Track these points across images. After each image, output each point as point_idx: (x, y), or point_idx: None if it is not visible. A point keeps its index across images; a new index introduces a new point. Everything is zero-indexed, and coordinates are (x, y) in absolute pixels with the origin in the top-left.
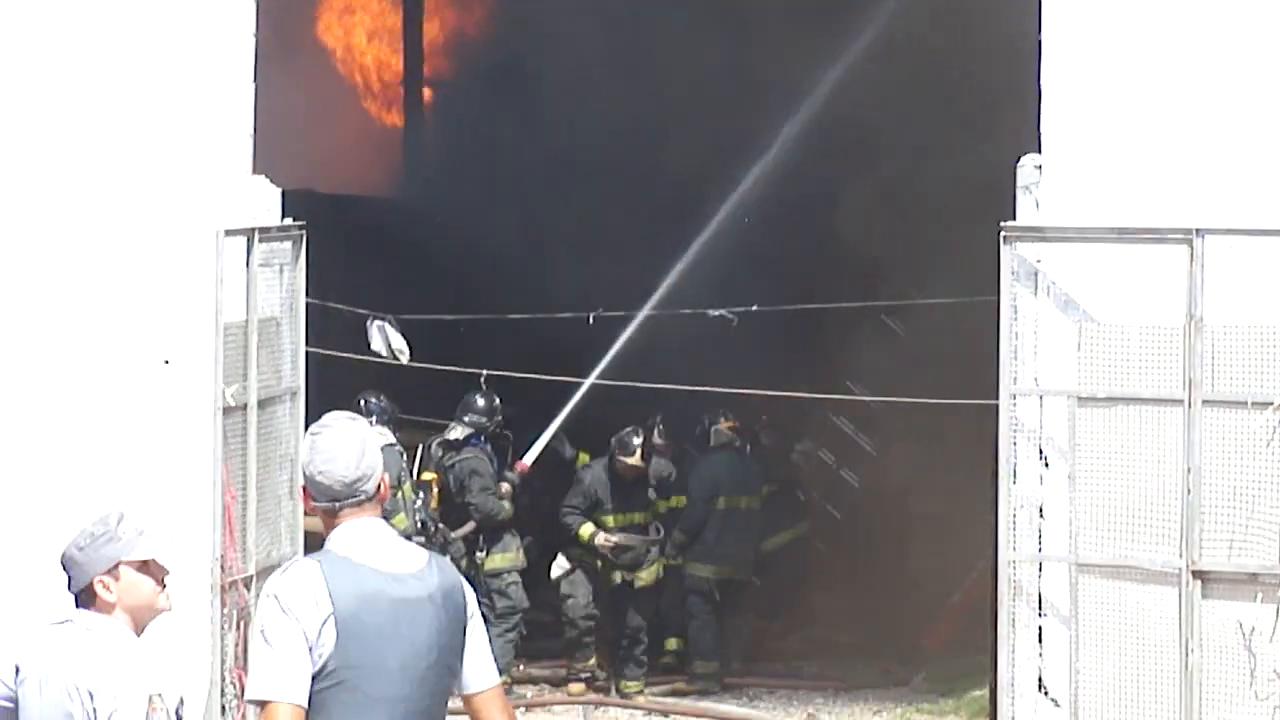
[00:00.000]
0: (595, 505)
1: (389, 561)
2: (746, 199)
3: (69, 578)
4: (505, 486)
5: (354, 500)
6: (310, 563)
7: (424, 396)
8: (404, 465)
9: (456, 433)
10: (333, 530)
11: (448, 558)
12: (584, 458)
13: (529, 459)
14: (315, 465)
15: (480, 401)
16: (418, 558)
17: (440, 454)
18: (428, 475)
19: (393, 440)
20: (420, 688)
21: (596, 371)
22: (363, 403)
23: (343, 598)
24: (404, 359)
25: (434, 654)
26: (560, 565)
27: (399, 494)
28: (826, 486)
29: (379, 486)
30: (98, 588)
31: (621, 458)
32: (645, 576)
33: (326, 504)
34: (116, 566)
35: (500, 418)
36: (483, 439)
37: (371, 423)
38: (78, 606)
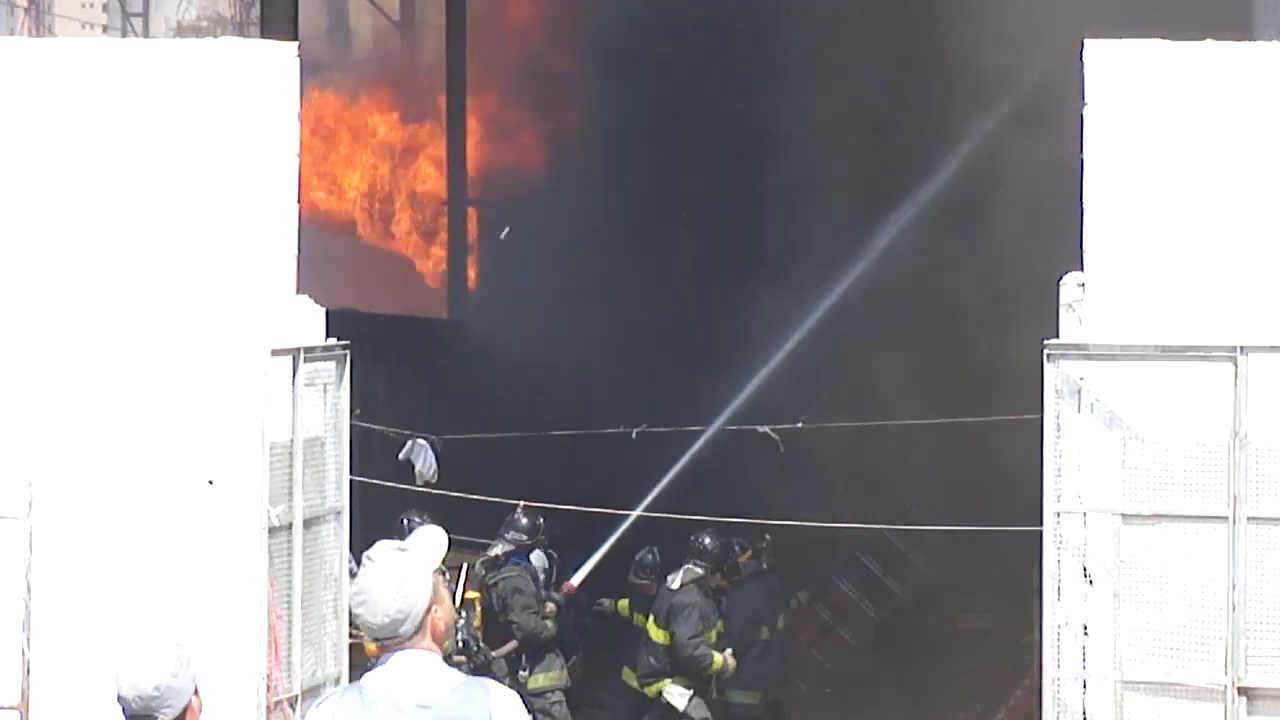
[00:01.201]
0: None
1: (406, 691)
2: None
3: (161, 709)
4: (550, 606)
5: (394, 640)
6: (333, 697)
7: (467, 515)
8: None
9: (498, 549)
10: (375, 659)
11: (494, 682)
12: (623, 605)
13: (576, 580)
14: (354, 603)
15: (523, 520)
16: (441, 686)
17: (483, 572)
18: (471, 594)
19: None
20: None
21: (642, 505)
22: (405, 523)
23: None
24: (431, 480)
25: None
26: (680, 694)
27: None
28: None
29: (422, 622)
30: (189, 713)
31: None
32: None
33: (371, 639)
34: (196, 685)
35: (543, 536)
36: (525, 557)
37: None
38: None
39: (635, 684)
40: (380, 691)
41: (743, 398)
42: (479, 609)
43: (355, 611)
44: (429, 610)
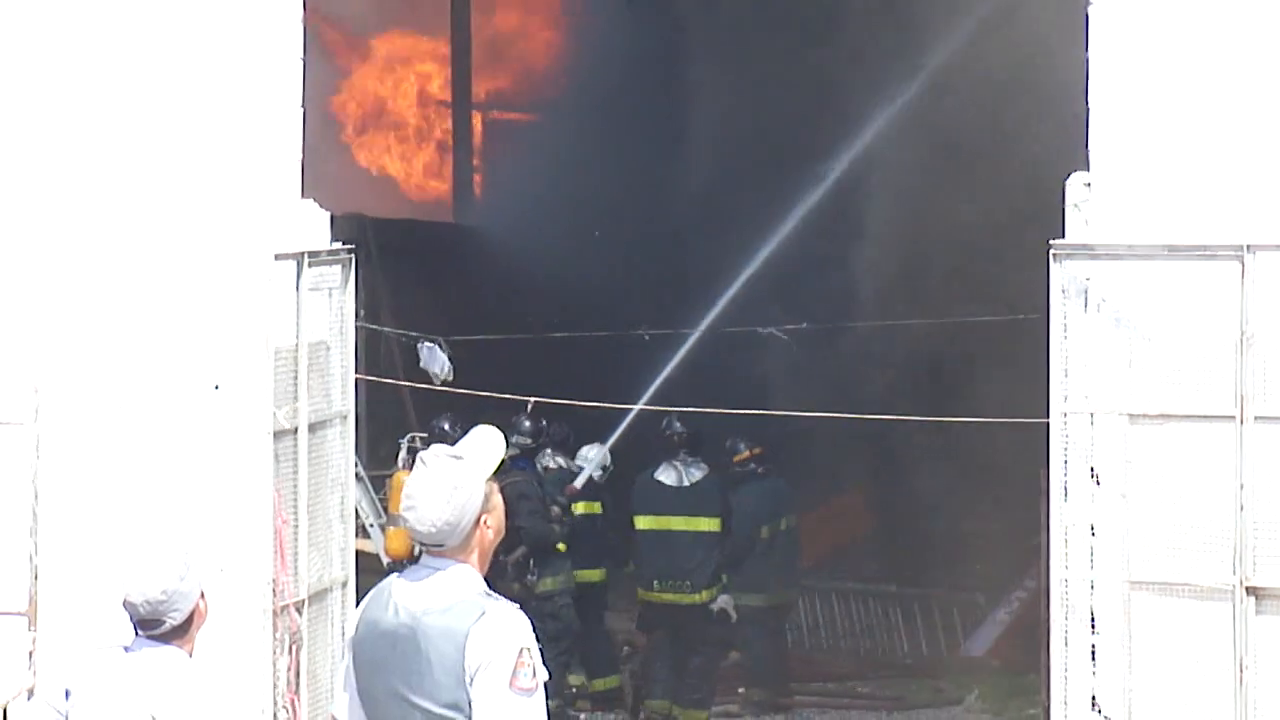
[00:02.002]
0: None
1: (418, 599)
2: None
3: (169, 613)
4: (555, 510)
5: (437, 549)
6: (376, 587)
7: (474, 419)
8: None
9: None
10: (403, 560)
11: (501, 605)
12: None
13: (579, 482)
14: (403, 506)
15: (526, 424)
16: (449, 598)
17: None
18: None
19: None
20: (381, 715)
21: (644, 399)
22: (436, 429)
23: (361, 622)
24: (448, 379)
25: (393, 687)
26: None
27: None
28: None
29: (470, 534)
30: (195, 616)
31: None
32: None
33: (417, 543)
34: (202, 591)
35: (547, 439)
36: (530, 462)
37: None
38: (162, 641)
39: (671, 595)
40: (399, 593)
41: (727, 298)
42: None
43: (403, 515)
44: (478, 521)
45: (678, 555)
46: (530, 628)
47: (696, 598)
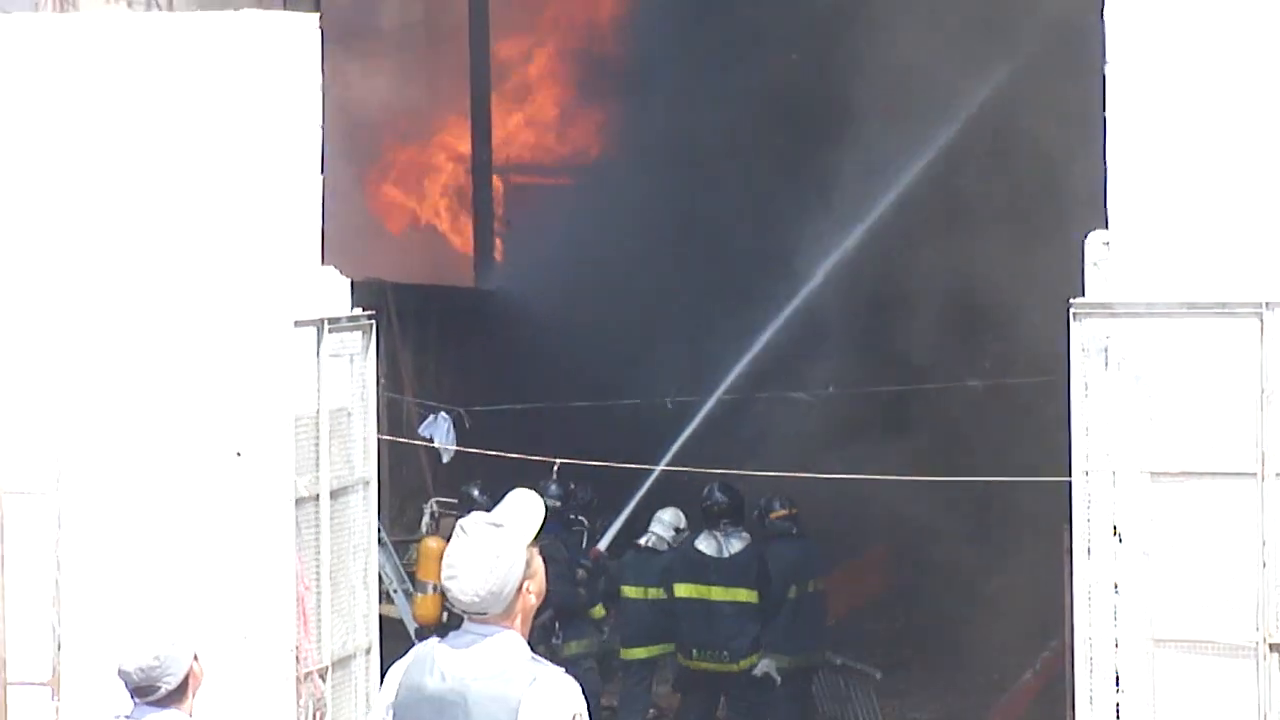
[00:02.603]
0: None
1: (464, 665)
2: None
3: (163, 678)
4: (580, 573)
5: (480, 616)
6: (417, 647)
7: (501, 486)
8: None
9: None
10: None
11: (552, 672)
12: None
13: (603, 544)
14: (444, 575)
15: (553, 487)
16: (490, 664)
17: None
18: None
19: None
20: None
21: (665, 459)
22: (466, 495)
23: (402, 688)
24: (445, 458)
25: None
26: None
27: None
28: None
29: (511, 602)
30: (191, 679)
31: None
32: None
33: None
34: (195, 653)
35: (574, 503)
36: (557, 525)
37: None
38: (161, 706)
39: (710, 664)
40: (444, 659)
41: (745, 361)
42: None
43: (445, 585)
44: (520, 588)
45: (717, 625)
46: (581, 693)
47: (735, 667)
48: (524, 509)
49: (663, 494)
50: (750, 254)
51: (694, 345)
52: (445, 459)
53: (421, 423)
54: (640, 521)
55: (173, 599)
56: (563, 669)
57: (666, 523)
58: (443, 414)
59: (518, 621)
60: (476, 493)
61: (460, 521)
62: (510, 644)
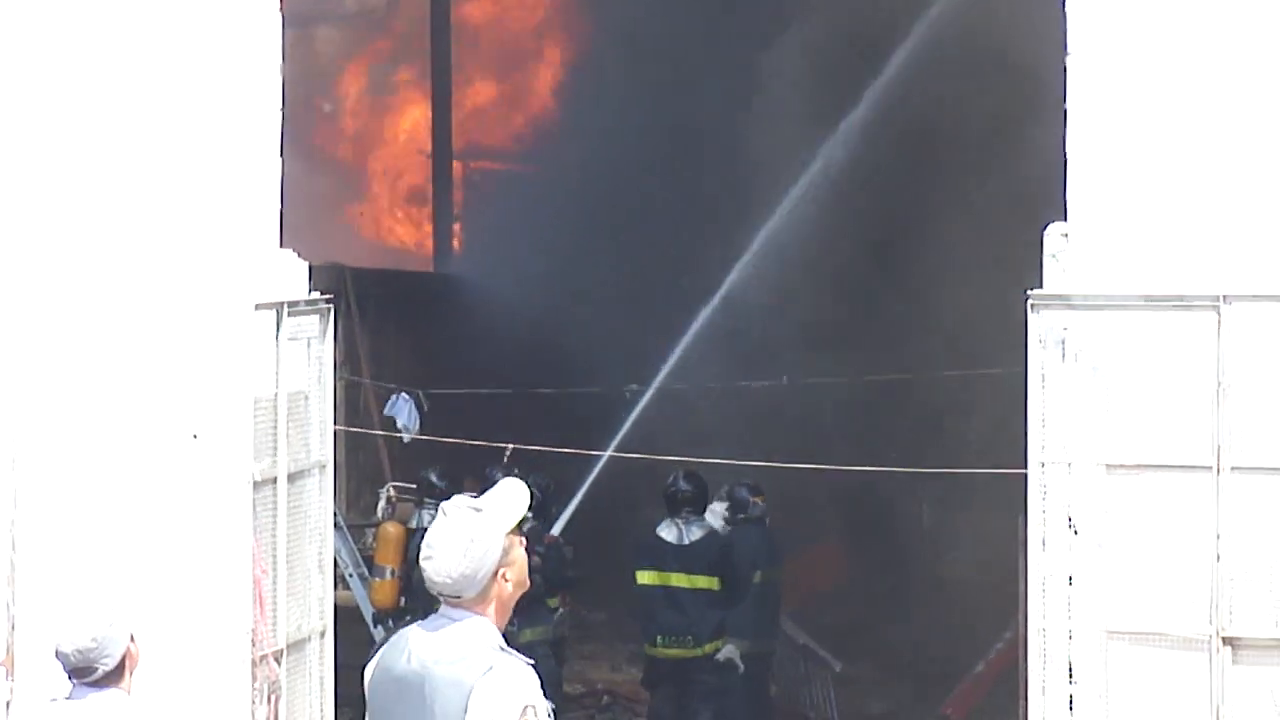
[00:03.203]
0: None
1: (430, 649)
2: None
3: (101, 659)
4: (534, 559)
5: (455, 599)
6: (395, 635)
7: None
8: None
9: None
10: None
11: (510, 663)
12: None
13: (556, 529)
14: (421, 556)
15: (498, 474)
16: (453, 649)
17: None
18: None
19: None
20: None
21: (614, 444)
22: (426, 479)
23: (377, 668)
24: (406, 438)
25: None
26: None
27: None
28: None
29: (486, 587)
30: (128, 659)
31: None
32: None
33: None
34: (131, 634)
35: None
36: None
37: (428, 503)
38: (100, 686)
39: (675, 650)
40: (415, 641)
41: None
42: None
43: (421, 564)
44: (496, 574)
45: (679, 611)
46: (539, 685)
47: (699, 651)
48: (508, 496)
49: (612, 478)
50: (707, 241)
51: (650, 332)
52: (406, 439)
53: (383, 406)
54: (594, 508)
55: (128, 580)
56: (523, 660)
57: (716, 512)
58: (404, 395)
59: (491, 608)
60: (435, 478)
61: (443, 504)
62: (478, 630)
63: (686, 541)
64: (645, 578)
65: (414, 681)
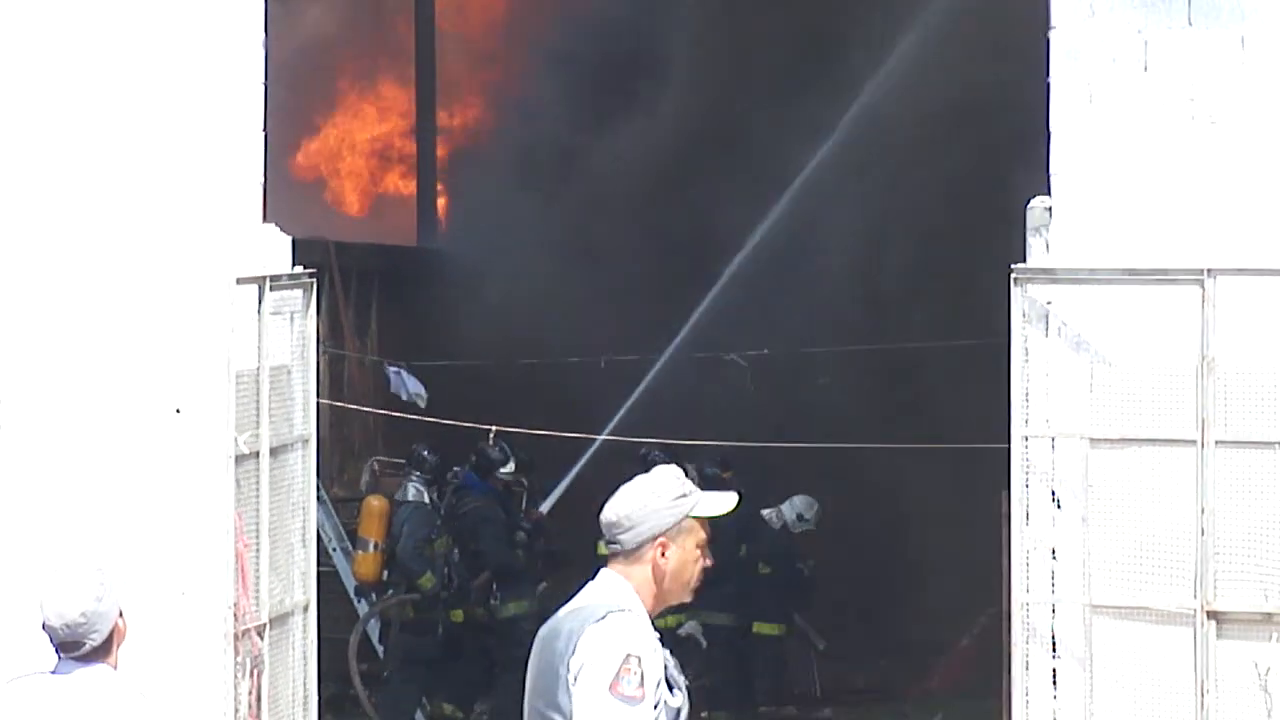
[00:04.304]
0: None
1: (572, 601)
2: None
3: (90, 634)
4: (520, 535)
5: (614, 549)
6: None
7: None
8: (436, 523)
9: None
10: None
11: (626, 617)
12: None
13: (544, 507)
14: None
15: (491, 451)
16: (582, 600)
17: (453, 500)
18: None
19: (425, 499)
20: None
21: (608, 429)
22: (415, 454)
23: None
24: (421, 403)
25: (529, 693)
26: (695, 625)
27: (426, 551)
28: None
29: (643, 547)
30: (115, 635)
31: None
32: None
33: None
34: (121, 611)
35: (512, 467)
36: (492, 486)
37: (415, 477)
38: (87, 661)
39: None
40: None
41: (691, 322)
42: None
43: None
44: (654, 540)
45: None
46: (651, 641)
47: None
48: (718, 497)
49: (603, 459)
50: (693, 216)
51: (635, 306)
52: (422, 404)
53: (372, 378)
54: (585, 486)
55: (111, 555)
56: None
57: (796, 505)
58: (394, 368)
59: (640, 572)
60: (426, 453)
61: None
62: (614, 586)
63: None
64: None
65: (545, 635)
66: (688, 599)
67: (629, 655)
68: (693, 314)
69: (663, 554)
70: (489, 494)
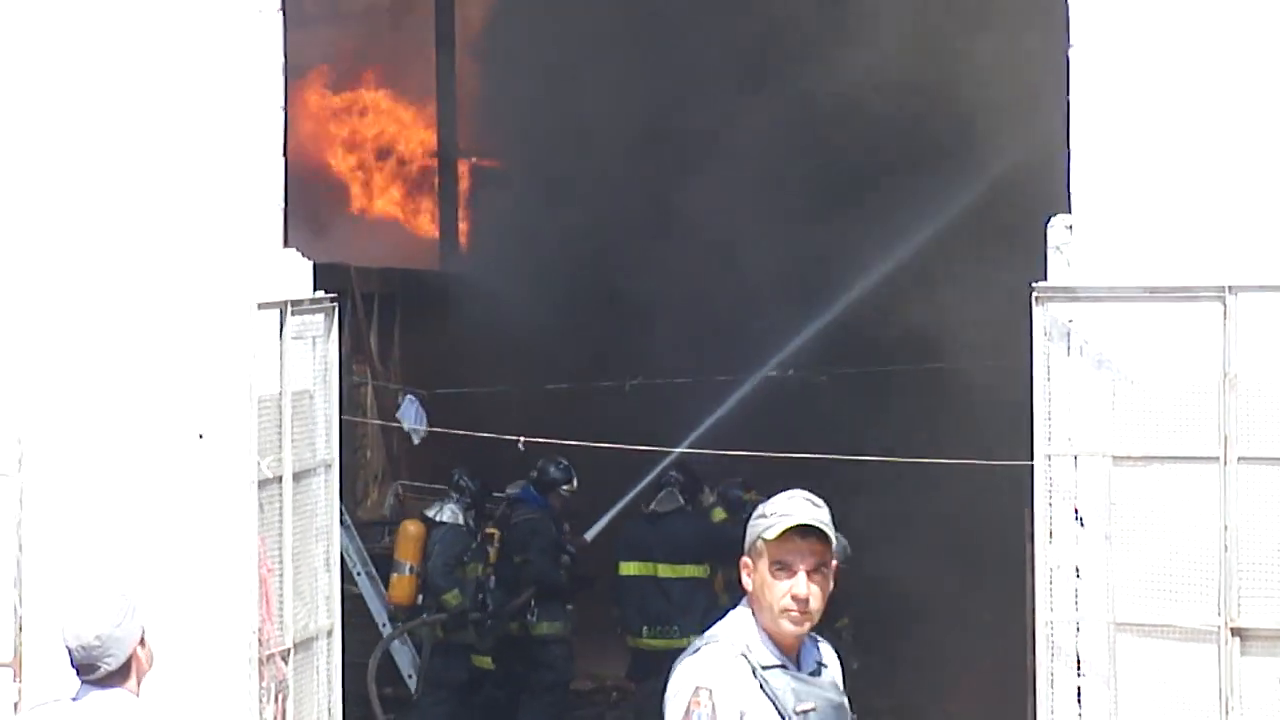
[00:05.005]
0: None
1: None
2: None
3: (104, 658)
4: (565, 558)
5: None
6: None
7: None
8: (471, 545)
9: (515, 488)
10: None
11: (711, 649)
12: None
13: (590, 535)
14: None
15: (551, 468)
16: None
17: (507, 510)
18: (489, 529)
19: (460, 520)
20: None
21: (662, 465)
22: (455, 478)
23: None
24: (416, 439)
25: None
26: None
27: (457, 571)
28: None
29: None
30: (134, 661)
31: None
32: None
33: None
34: (143, 635)
35: (575, 485)
36: (546, 501)
37: (454, 499)
38: (104, 686)
39: (660, 641)
40: None
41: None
42: (496, 544)
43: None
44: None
45: (665, 601)
46: (725, 670)
47: (684, 642)
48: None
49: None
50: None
51: (661, 328)
52: (416, 440)
53: (396, 407)
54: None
55: (135, 580)
56: (737, 650)
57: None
58: (410, 396)
59: (755, 604)
60: (463, 479)
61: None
62: (734, 619)
63: (658, 509)
64: (629, 569)
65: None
66: (786, 628)
67: (698, 689)
68: (715, 334)
69: (747, 575)
70: (544, 510)
